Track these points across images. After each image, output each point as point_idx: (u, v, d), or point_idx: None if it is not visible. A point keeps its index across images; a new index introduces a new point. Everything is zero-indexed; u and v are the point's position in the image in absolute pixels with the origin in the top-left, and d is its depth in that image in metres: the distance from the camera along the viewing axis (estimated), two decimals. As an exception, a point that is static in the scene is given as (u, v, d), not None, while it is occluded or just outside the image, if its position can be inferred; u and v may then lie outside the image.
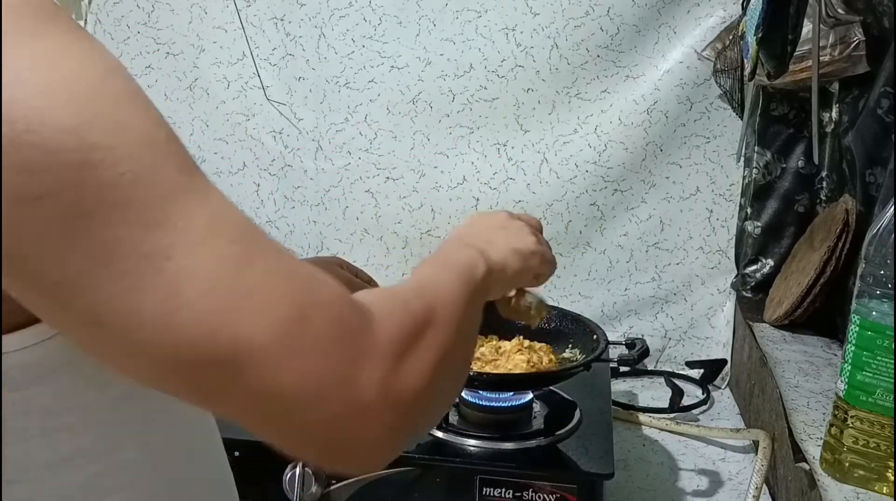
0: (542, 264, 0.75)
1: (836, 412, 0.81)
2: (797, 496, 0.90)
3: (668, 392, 1.25)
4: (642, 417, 1.22)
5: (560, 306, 1.19)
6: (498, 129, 1.43)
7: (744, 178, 1.36)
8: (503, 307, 0.80)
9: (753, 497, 0.93)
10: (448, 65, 1.42)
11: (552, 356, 1.05)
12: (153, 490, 0.52)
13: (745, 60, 1.08)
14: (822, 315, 1.18)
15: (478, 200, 1.45)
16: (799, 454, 0.87)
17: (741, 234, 1.37)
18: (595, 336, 1.05)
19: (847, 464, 0.80)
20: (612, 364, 1.20)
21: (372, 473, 0.48)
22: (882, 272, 0.77)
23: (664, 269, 1.42)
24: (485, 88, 1.42)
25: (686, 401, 1.25)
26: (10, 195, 0.37)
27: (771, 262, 1.34)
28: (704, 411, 1.28)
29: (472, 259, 0.62)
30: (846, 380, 0.80)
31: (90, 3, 1.49)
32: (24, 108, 0.37)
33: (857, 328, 0.79)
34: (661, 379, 1.35)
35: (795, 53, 1.00)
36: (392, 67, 1.43)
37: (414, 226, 1.48)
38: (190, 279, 0.39)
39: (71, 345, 0.44)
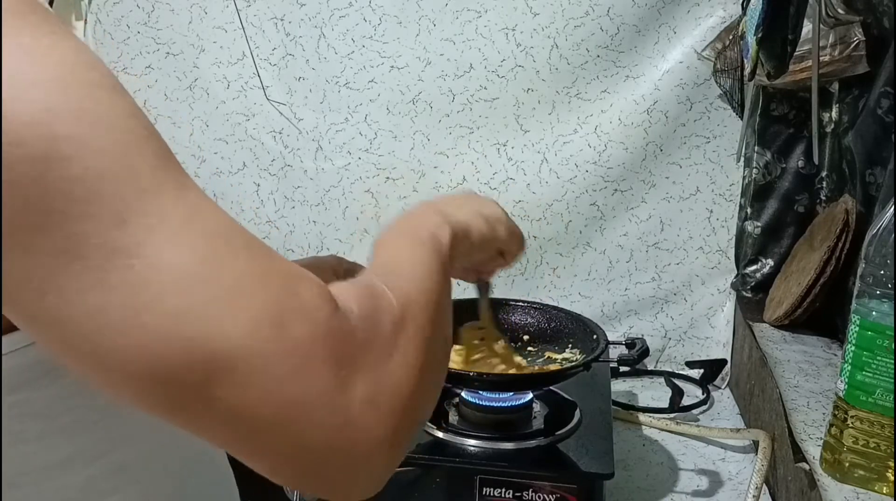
0: (510, 237, 0.71)
1: (836, 412, 0.81)
2: (797, 496, 0.90)
3: (668, 392, 1.25)
4: (642, 417, 1.22)
5: (560, 306, 1.19)
6: (498, 129, 1.43)
7: (744, 178, 1.36)
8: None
9: (753, 497, 0.93)
10: (448, 65, 1.42)
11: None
12: (152, 491, 0.52)
13: (745, 60, 1.08)
14: (822, 315, 1.18)
15: (478, 200, 1.45)
16: (799, 454, 0.87)
17: (741, 234, 1.37)
18: (595, 336, 1.05)
19: (847, 464, 0.80)
20: (612, 364, 1.20)
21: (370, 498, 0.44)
22: (882, 272, 0.77)
23: (664, 269, 1.42)
24: (485, 88, 1.42)
25: (686, 401, 1.25)
26: None
27: (771, 262, 1.34)
28: (704, 411, 1.28)
29: (437, 226, 0.58)
30: (846, 380, 0.80)
31: (90, 3, 1.49)
32: None
33: (857, 328, 0.79)
34: (661, 379, 1.35)
35: (795, 53, 1.00)
36: (392, 66, 1.43)
37: (414, 226, 1.48)
38: (160, 276, 0.37)
39: None
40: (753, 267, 1.36)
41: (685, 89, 1.36)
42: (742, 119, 1.31)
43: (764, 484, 0.96)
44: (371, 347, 0.42)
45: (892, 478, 0.77)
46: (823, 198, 1.28)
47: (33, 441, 0.46)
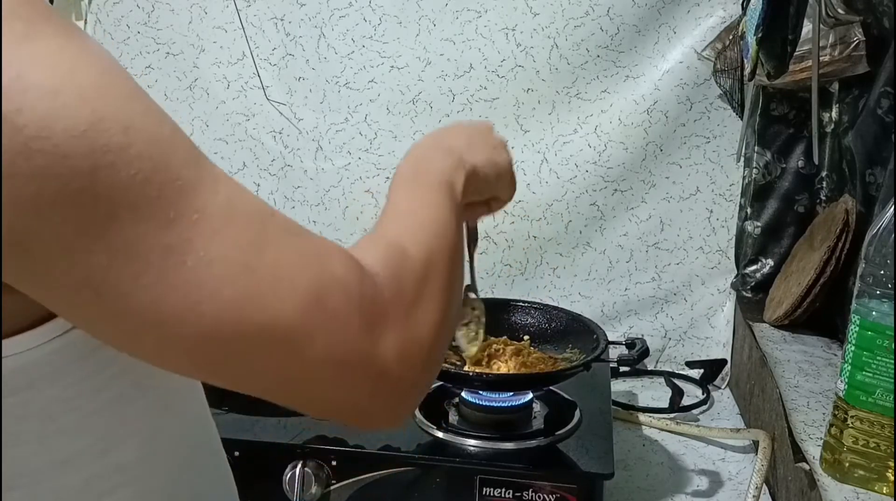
0: (507, 188, 0.75)
1: (836, 412, 0.81)
2: (797, 496, 0.90)
3: (668, 392, 1.25)
4: (642, 417, 1.22)
5: (560, 306, 1.19)
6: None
7: (744, 178, 1.36)
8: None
9: (753, 497, 0.93)
10: (448, 65, 1.42)
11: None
12: (151, 491, 0.52)
13: (745, 60, 1.09)
14: (822, 315, 1.18)
15: (478, 200, 1.45)
16: (799, 454, 0.87)
17: (741, 234, 1.37)
18: (595, 336, 1.05)
19: (847, 464, 0.80)
20: (612, 364, 1.20)
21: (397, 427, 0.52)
22: (882, 272, 0.77)
23: (664, 269, 1.42)
24: (485, 88, 1.42)
25: (686, 401, 1.25)
26: (23, 203, 0.37)
27: (771, 262, 1.34)
28: (704, 411, 1.28)
29: (452, 170, 0.61)
30: (846, 380, 0.80)
31: (90, 3, 1.49)
32: (31, 114, 0.36)
33: (857, 328, 0.79)
34: (661, 379, 1.34)
35: (795, 53, 1.00)
36: (392, 67, 1.43)
37: (414, 226, 1.48)
38: (211, 271, 0.40)
39: (66, 349, 0.44)
40: (753, 267, 1.36)
41: (685, 89, 1.36)
42: (742, 119, 1.31)
43: (764, 484, 0.96)
44: (398, 303, 0.47)
45: (892, 478, 0.77)
46: (823, 198, 1.28)
47: (31, 443, 0.46)
